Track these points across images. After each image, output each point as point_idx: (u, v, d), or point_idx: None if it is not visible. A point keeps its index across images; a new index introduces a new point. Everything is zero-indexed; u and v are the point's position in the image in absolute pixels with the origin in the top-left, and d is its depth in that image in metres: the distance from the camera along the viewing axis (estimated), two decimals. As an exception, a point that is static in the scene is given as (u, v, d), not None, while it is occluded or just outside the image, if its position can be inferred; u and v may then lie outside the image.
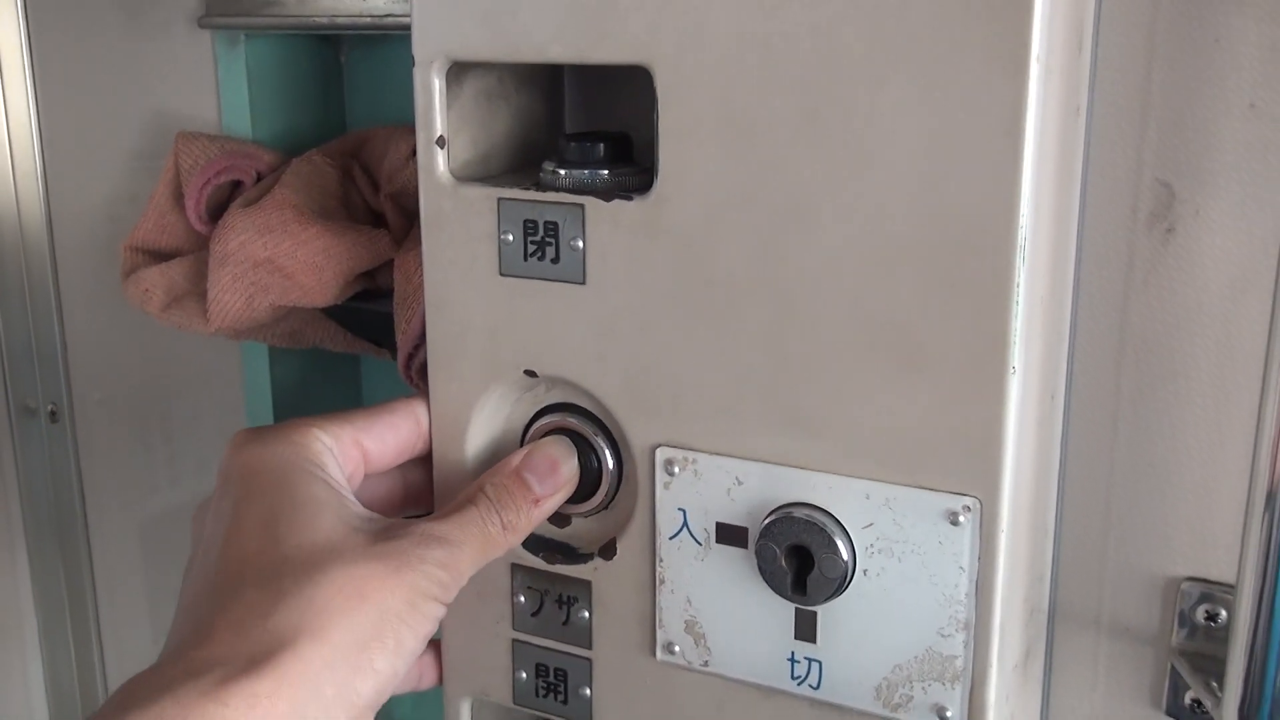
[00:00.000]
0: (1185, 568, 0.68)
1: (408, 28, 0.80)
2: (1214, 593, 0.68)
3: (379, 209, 0.88)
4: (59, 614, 1.11)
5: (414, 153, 0.85)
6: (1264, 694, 0.62)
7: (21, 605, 1.08)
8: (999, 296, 0.57)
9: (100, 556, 1.10)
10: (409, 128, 0.89)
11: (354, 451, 0.66)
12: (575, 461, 0.67)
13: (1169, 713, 0.71)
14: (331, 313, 0.90)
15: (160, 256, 0.89)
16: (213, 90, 0.91)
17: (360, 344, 0.94)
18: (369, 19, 0.83)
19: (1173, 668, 0.70)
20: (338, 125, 0.97)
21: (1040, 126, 0.56)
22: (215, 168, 0.85)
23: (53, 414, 1.06)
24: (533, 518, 0.65)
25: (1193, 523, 0.68)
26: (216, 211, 0.86)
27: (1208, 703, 0.67)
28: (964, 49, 0.55)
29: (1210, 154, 0.63)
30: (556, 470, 0.66)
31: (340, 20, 0.84)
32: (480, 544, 0.62)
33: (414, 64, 0.67)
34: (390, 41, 0.95)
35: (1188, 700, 0.70)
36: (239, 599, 0.56)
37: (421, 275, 0.77)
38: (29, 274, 1.03)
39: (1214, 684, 0.66)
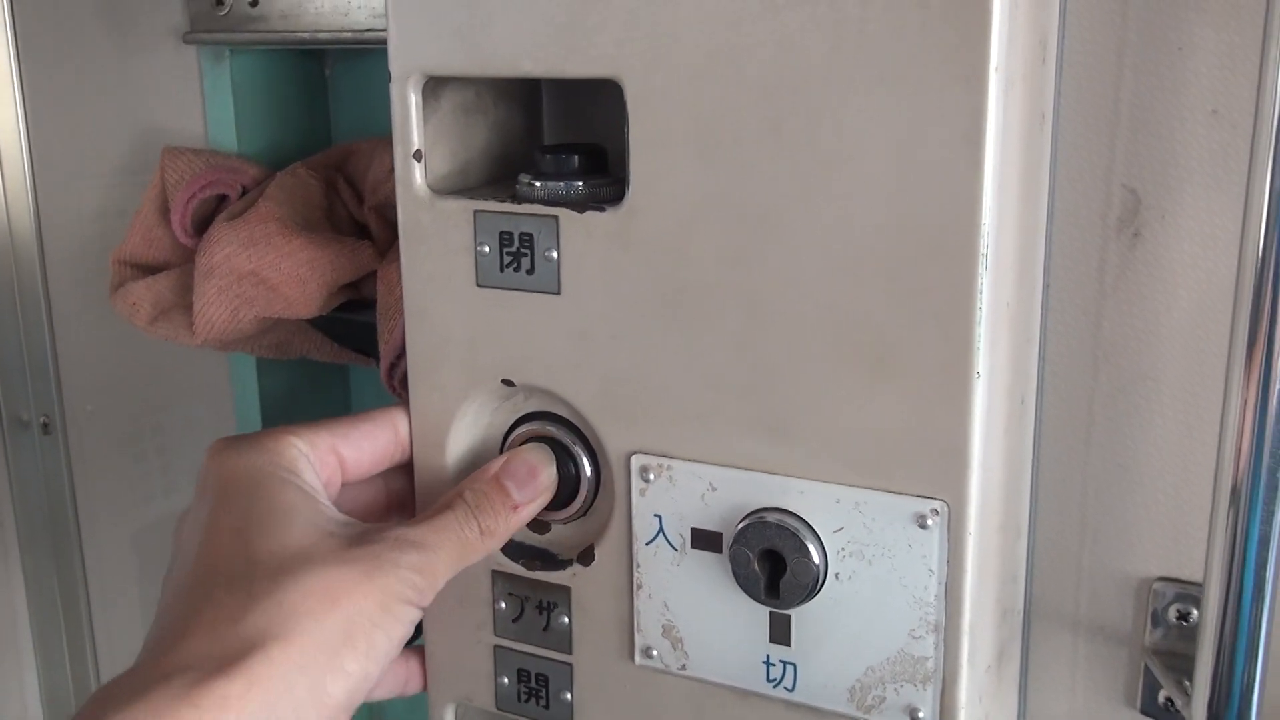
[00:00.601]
0: (1158, 568, 0.69)
1: (383, 42, 0.81)
2: (1186, 592, 0.69)
3: (363, 221, 0.89)
4: (54, 624, 1.12)
5: (397, 165, 0.86)
6: (1232, 691, 0.63)
7: (16, 615, 1.09)
8: (962, 302, 0.57)
9: (94, 566, 1.11)
10: (390, 140, 0.90)
11: (330, 458, 0.67)
12: (554, 469, 0.68)
13: (1144, 711, 0.72)
14: (317, 323, 0.91)
15: (148, 270, 0.90)
16: (198, 105, 0.92)
17: (347, 354, 0.95)
18: (350, 34, 0.84)
19: (1146, 667, 0.71)
20: (323, 138, 0.98)
21: (1001, 135, 0.57)
22: (200, 182, 0.86)
23: (45, 425, 1.07)
24: (511, 524, 0.66)
25: (1165, 523, 0.68)
26: (201, 225, 0.87)
27: (1178, 701, 0.68)
28: (924, 59, 0.56)
29: (1175, 160, 0.64)
30: (535, 477, 0.67)
31: (322, 35, 0.85)
32: (457, 548, 0.63)
33: (390, 79, 0.68)
34: (374, 55, 0.95)
35: (1161, 699, 0.71)
36: (211, 602, 0.57)
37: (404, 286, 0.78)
38: (20, 287, 1.04)
39: (1186, 682, 0.67)
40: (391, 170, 0.87)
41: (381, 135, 0.96)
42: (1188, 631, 0.69)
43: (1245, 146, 0.61)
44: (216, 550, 0.59)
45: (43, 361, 1.05)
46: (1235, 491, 0.60)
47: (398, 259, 0.83)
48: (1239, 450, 0.59)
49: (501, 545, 0.68)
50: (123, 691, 0.53)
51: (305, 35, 0.86)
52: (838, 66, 0.57)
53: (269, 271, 0.82)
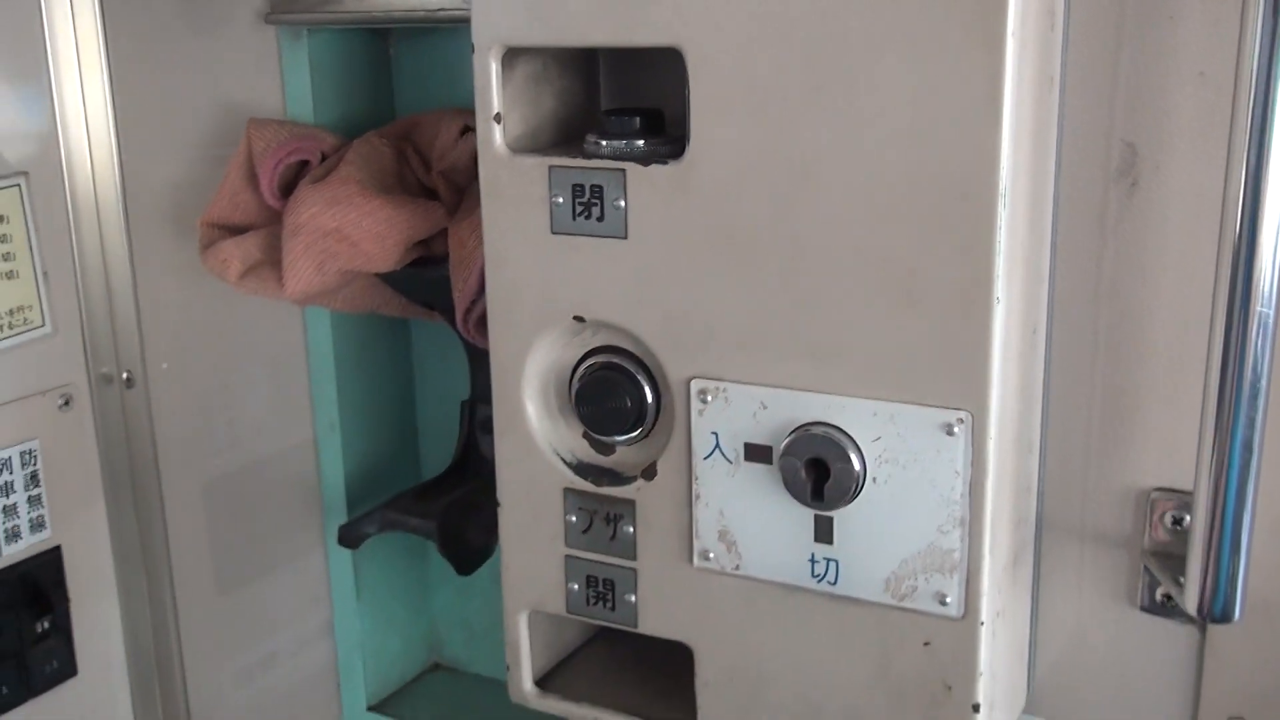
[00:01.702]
0: (1154, 479, 0.78)
1: (455, 20, 0.90)
2: (1178, 500, 0.78)
3: (430, 184, 0.98)
4: (135, 568, 1.21)
5: (463, 133, 0.96)
6: (1219, 584, 0.71)
7: (100, 561, 1.17)
8: (984, 238, 0.66)
9: (171, 515, 1.20)
10: (455, 111, 0.99)
11: None
12: None
13: (1143, 608, 0.81)
14: (388, 279, 0.99)
15: (234, 231, 0.99)
16: (277, 80, 1.01)
17: (414, 308, 1.04)
18: (423, 12, 0.93)
19: (1145, 568, 0.80)
20: (387, 109, 1.07)
21: (1017, 93, 0.66)
22: (286, 149, 0.95)
23: (128, 380, 1.16)
24: None
25: (1160, 439, 0.77)
26: (286, 189, 0.96)
27: (1175, 594, 0.77)
28: (949, 26, 0.65)
29: (1167, 117, 0.73)
30: None
31: (396, 14, 0.94)
32: None
33: (473, 50, 0.77)
34: (434, 34, 1.04)
35: (1159, 596, 0.80)
36: None
37: (475, 241, 0.88)
38: (105, 251, 1.13)
39: (1180, 579, 0.76)
40: (457, 138, 0.96)
41: (441, 106, 1.04)
42: (1181, 535, 0.78)
43: (1229, 105, 0.69)
44: None
45: (129, 321, 1.14)
46: (1220, 409, 0.69)
47: (466, 218, 0.92)
48: (1223, 373, 0.68)
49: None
50: None
51: (379, 14, 0.94)
52: (872, 33, 0.66)
53: (351, 229, 0.91)
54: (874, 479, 0.72)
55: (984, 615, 0.72)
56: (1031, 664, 0.84)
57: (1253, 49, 0.64)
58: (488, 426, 1.05)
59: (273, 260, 0.96)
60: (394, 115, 1.07)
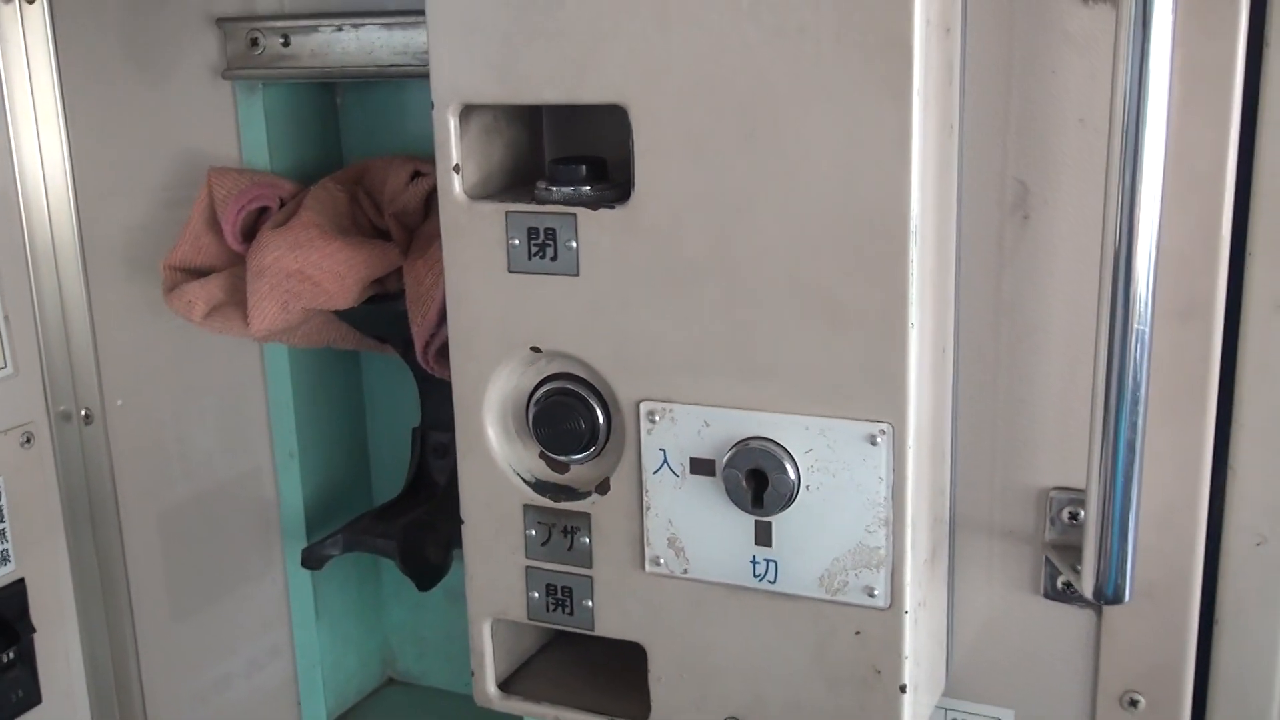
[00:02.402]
0: (1052, 479, 0.88)
1: (404, 75, 0.98)
2: (1074, 497, 0.87)
3: (382, 226, 1.05)
4: (95, 597, 1.25)
5: (412, 178, 1.03)
6: (1112, 569, 0.81)
7: (61, 591, 1.22)
8: (899, 269, 0.75)
9: (130, 545, 1.24)
10: (403, 158, 1.07)
11: None
12: None
13: (1046, 595, 0.90)
14: (344, 315, 1.06)
15: (196, 274, 1.05)
16: (233, 130, 1.07)
17: (367, 342, 1.10)
18: (374, 67, 1.00)
19: (1047, 559, 0.89)
20: (335, 156, 1.14)
21: (923, 140, 0.75)
22: (248, 195, 1.01)
23: (86, 417, 1.21)
24: None
25: (1056, 443, 0.87)
26: (247, 233, 1.02)
27: (1073, 580, 0.86)
28: (864, 83, 0.74)
29: (1053, 157, 0.83)
30: None
31: (350, 69, 1.01)
32: None
33: (433, 107, 0.84)
34: (379, 86, 1.11)
35: (1059, 584, 0.89)
36: None
37: (432, 278, 0.95)
38: (63, 293, 1.18)
39: (1077, 567, 0.85)
40: (407, 183, 1.03)
41: (385, 153, 1.11)
42: (1076, 528, 0.87)
43: (1105, 146, 0.79)
44: None
45: (87, 360, 1.19)
46: (1106, 415, 0.78)
47: (420, 256, 1.00)
48: (1108, 383, 0.78)
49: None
50: None
51: (334, 69, 1.01)
52: (798, 90, 0.75)
53: (312, 270, 0.97)
54: (807, 486, 0.80)
55: (908, 605, 0.81)
56: (949, 650, 0.93)
57: (1123, 98, 0.74)
58: (439, 452, 1.13)
59: (235, 300, 1.02)
60: (342, 161, 1.14)
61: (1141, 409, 0.77)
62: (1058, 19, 0.80)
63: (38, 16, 1.12)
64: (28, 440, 1.17)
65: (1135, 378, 0.77)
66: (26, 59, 1.13)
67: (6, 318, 1.14)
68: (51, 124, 1.15)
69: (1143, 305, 0.75)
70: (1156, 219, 0.74)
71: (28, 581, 1.18)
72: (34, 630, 1.18)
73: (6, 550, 1.16)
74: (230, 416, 1.20)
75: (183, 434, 1.23)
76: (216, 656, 1.26)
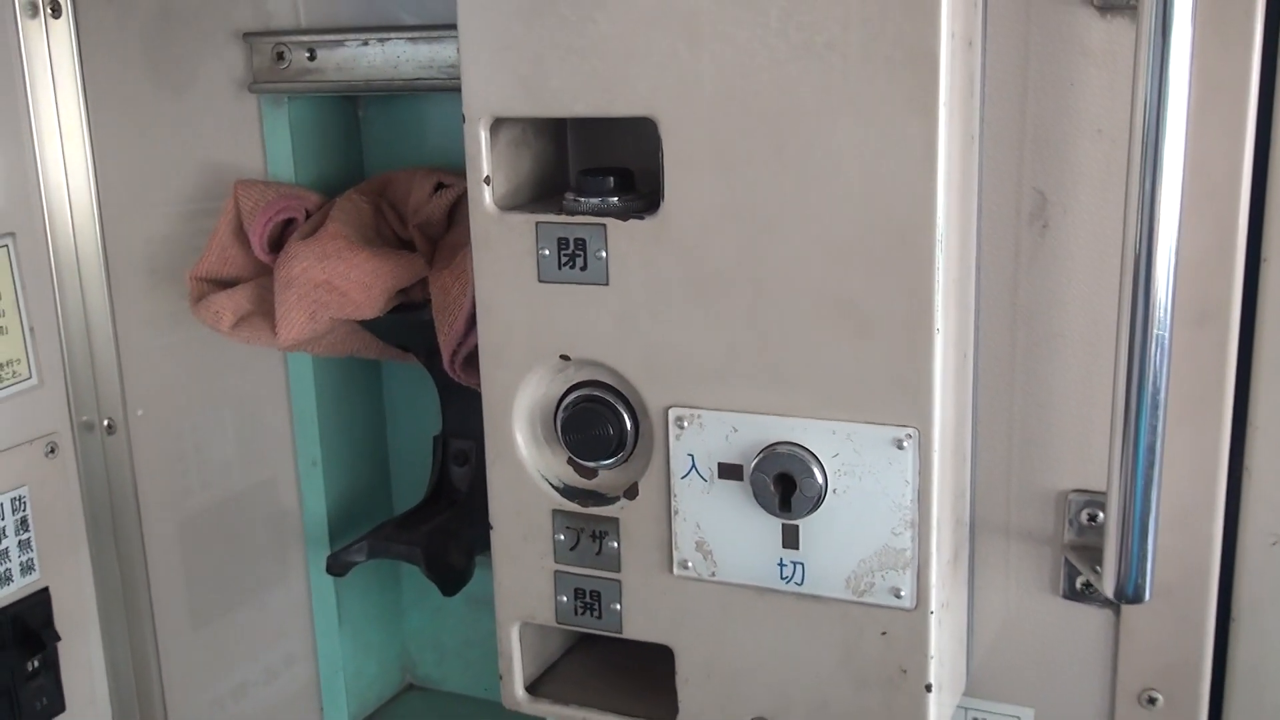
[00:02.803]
0: (1071, 482, 0.89)
1: (428, 89, 0.99)
2: (1093, 499, 0.89)
3: (406, 236, 1.07)
4: (118, 605, 1.26)
5: (436, 189, 1.04)
6: (1132, 569, 0.82)
7: (84, 599, 1.23)
8: (925, 277, 0.77)
9: (151, 553, 1.26)
10: (426, 170, 1.08)
11: None
12: None
13: (1065, 596, 0.92)
14: (369, 324, 1.08)
15: (223, 284, 1.06)
16: (258, 143, 1.09)
17: (390, 351, 1.12)
18: (400, 81, 1.01)
19: (1066, 560, 0.91)
20: (357, 168, 1.15)
21: (947, 152, 0.77)
22: (275, 208, 1.02)
23: (109, 427, 1.22)
24: None
25: (1075, 447, 0.89)
26: (274, 245, 1.04)
27: (1093, 580, 0.88)
28: (891, 96, 0.75)
29: (1072, 167, 0.85)
30: None
31: (375, 82, 1.02)
32: None
33: (464, 120, 0.85)
34: (400, 99, 1.13)
35: (1078, 584, 0.91)
36: None
37: (458, 288, 0.97)
38: (86, 305, 1.19)
39: (1097, 567, 0.87)
40: (430, 195, 1.05)
41: (406, 165, 1.13)
42: (1096, 529, 0.89)
43: (1124, 156, 0.81)
44: None
45: (110, 371, 1.20)
46: (1126, 418, 0.80)
47: (445, 266, 1.01)
48: (1128, 387, 0.79)
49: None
50: None
51: (359, 83, 1.03)
52: (826, 104, 0.77)
53: (340, 280, 0.99)
54: (834, 490, 0.82)
55: (933, 605, 0.83)
56: (970, 650, 0.94)
57: (1142, 110, 0.76)
58: (460, 459, 1.14)
59: (263, 310, 1.03)
60: (364, 173, 1.15)
61: (1161, 412, 0.79)
62: (1076, 32, 0.82)
63: (63, 30, 1.13)
64: (52, 450, 1.19)
65: (1155, 382, 0.78)
66: (51, 72, 1.14)
67: (32, 329, 1.15)
68: (76, 137, 1.16)
69: (1162, 311, 0.77)
70: (1176, 226, 0.76)
71: (52, 591, 1.20)
72: (59, 639, 1.20)
73: (32, 559, 1.18)
74: (252, 426, 1.22)
75: (205, 443, 1.25)
76: (238, 663, 1.27)
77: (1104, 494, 0.83)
